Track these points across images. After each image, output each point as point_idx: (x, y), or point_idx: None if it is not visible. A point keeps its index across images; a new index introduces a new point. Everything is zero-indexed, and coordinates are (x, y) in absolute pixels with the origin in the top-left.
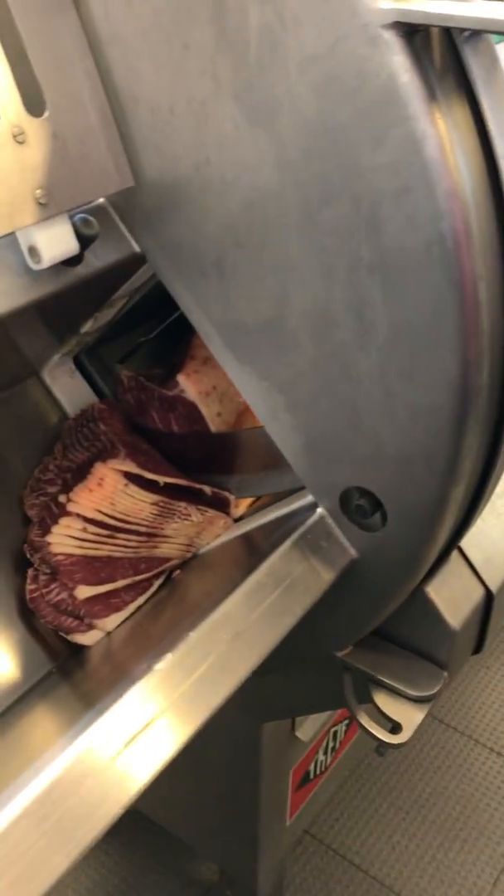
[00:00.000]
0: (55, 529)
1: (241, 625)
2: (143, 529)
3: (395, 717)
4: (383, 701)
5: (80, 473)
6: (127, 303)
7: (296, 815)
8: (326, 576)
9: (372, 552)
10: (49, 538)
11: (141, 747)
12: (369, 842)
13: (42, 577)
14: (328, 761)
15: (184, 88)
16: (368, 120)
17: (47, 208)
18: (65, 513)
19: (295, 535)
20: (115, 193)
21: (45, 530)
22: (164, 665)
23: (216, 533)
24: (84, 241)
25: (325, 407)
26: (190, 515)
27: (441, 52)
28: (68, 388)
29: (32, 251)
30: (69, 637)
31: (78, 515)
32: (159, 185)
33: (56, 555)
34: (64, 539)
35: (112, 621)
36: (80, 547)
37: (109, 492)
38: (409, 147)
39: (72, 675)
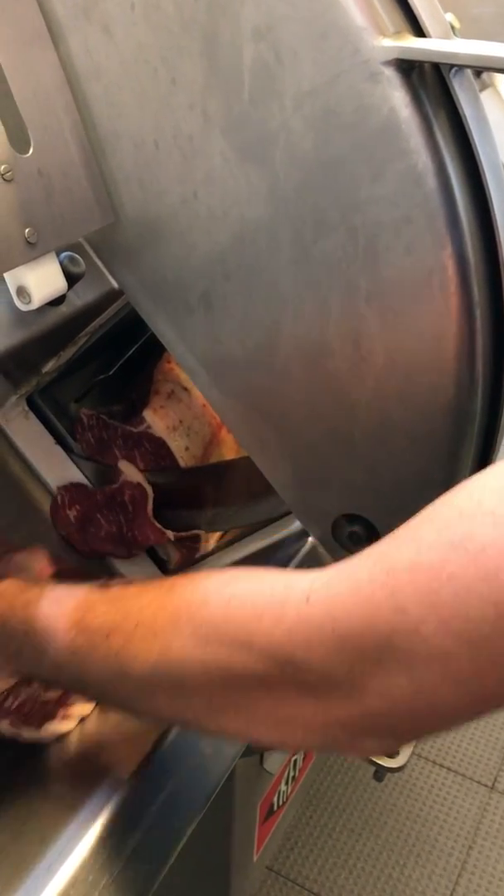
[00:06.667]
0: None
1: None
2: None
3: None
4: None
5: None
6: (89, 339)
7: (261, 849)
8: None
9: None
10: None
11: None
12: (326, 868)
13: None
14: (289, 791)
15: (170, 123)
16: (367, 153)
17: (36, 248)
18: None
19: (291, 567)
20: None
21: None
22: None
23: None
24: (71, 279)
25: (318, 436)
26: None
27: (434, 87)
28: (24, 430)
29: (21, 292)
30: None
31: None
32: (142, 220)
33: None
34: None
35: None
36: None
37: None
38: (410, 179)
39: None
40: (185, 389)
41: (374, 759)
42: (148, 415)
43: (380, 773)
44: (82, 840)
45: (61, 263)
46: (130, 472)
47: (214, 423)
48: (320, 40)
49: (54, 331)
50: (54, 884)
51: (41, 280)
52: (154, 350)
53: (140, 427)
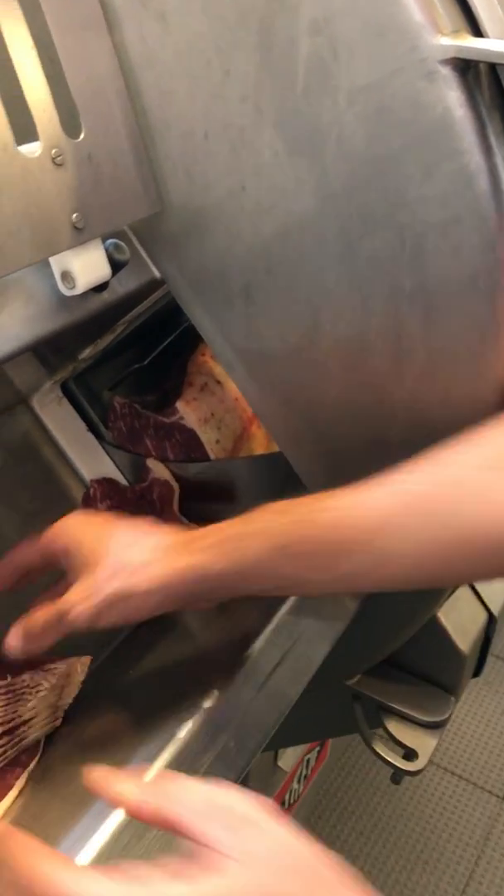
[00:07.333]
0: None
1: (280, 655)
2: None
3: (408, 744)
4: (395, 728)
5: None
6: (126, 328)
7: None
8: (351, 604)
9: None
10: None
11: None
12: None
13: None
14: (301, 789)
15: (221, 114)
16: (419, 152)
17: (83, 233)
18: None
19: None
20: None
21: None
22: (211, 702)
23: (79, 680)
24: (116, 266)
25: (353, 436)
26: (41, 684)
27: (489, 87)
28: (57, 416)
29: (66, 276)
30: None
31: None
32: (187, 210)
33: None
34: None
35: None
36: None
37: None
38: (462, 180)
39: None
40: (219, 383)
41: (393, 762)
42: (181, 406)
43: (397, 775)
44: (103, 826)
45: (106, 250)
46: (159, 469)
47: (245, 417)
48: (378, 36)
49: (95, 317)
50: None
51: (86, 266)
52: (188, 342)
53: (172, 418)
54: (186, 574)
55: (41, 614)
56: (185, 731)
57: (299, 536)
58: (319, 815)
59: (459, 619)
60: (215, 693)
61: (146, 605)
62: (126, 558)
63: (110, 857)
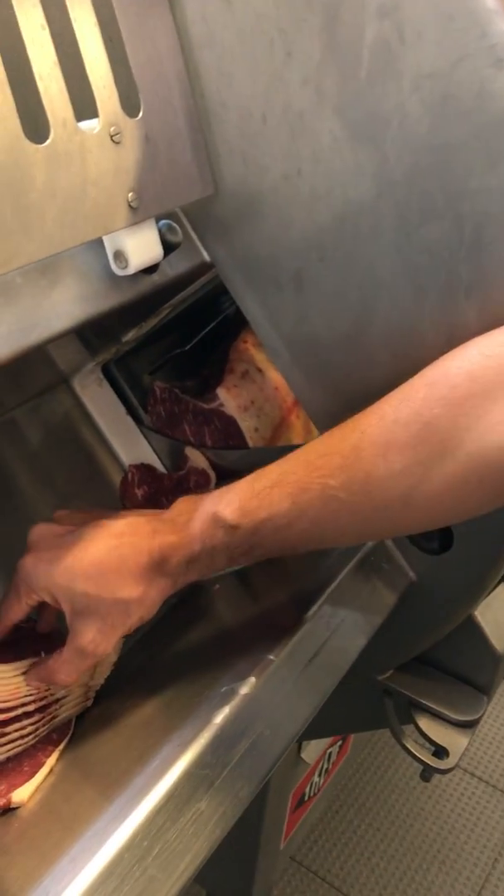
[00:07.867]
0: None
1: (317, 646)
2: (32, 707)
3: (439, 742)
4: (426, 725)
5: None
6: (171, 312)
7: (289, 838)
8: (389, 599)
9: (431, 575)
10: None
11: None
12: (349, 864)
13: None
14: (321, 783)
15: (281, 97)
16: (484, 141)
17: (137, 212)
18: None
19: (358, 556)
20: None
21: None
22: (248, 689)
23: (111, 661)
24: (168, 248)
25: None
26: None
27: None
28: (97, 398)
29: (119, 256)
30: None
31: None
32: (241, 194)
33: None
34: None
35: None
36: None
37: None
38: None
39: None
40: (260, 371)
41: (424, 759)
42: (221, 392)
43: (427, 773)
44: (136, 810)
45: (159, 231)
46: (196, 458)
47: (285, 406)
48: (447, 21)
49: (143, 299)
50: (107, 848)
51: (139, 246)
52: (230, 328)
53: (212, 404)
54: (173, 588)
55: (60, 661)
56: (221, 716)
57: (240, 549)
58: (336, 811)
59: (496, 619)
60: (252, 680)
61: (155, 613)
62: (123, 596)
63: (144, 839)
